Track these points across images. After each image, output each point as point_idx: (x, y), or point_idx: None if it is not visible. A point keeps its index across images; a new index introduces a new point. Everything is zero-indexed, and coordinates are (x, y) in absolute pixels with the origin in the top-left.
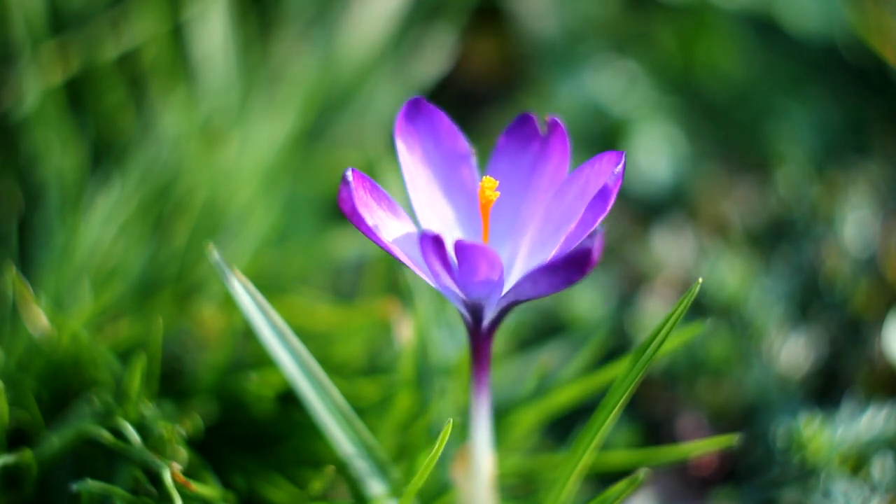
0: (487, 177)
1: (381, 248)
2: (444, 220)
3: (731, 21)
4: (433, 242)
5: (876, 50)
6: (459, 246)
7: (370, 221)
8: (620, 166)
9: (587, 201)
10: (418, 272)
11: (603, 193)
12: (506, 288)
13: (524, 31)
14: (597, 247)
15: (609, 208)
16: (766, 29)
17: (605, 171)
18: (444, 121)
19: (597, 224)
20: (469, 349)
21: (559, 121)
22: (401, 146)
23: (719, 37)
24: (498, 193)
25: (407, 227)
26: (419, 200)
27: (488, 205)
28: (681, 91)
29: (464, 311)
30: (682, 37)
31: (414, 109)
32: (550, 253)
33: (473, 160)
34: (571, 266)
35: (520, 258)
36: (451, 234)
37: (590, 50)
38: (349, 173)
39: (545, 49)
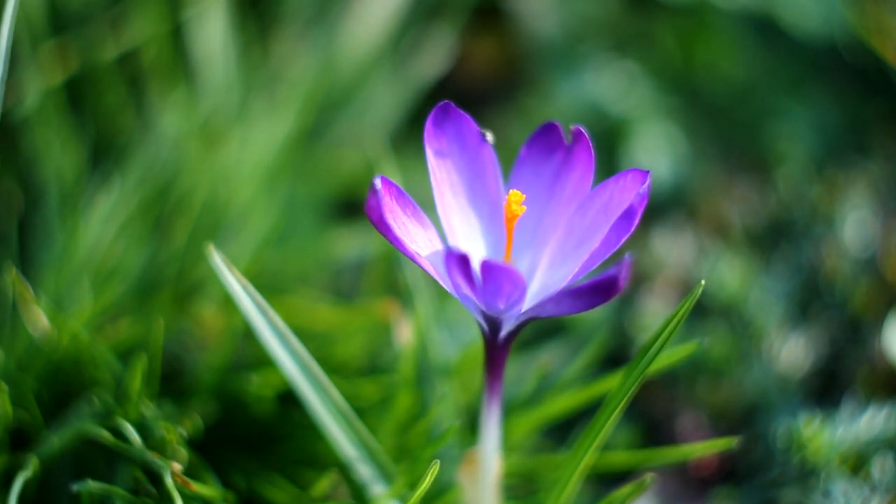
0: (514, 191)
1: (406, 255)
2: (467, 227)
3: (731, 21)
4: (459, 261)
5: (876, 50)
6: (486, 266)
7: (396, 230)
8: (646, 186)
9: (610, 218)
10: (441, 282)
11: (628, 213)
12: (526, 302)
13: (524, 31)
14: (623, 274)
15: (633, 229)
16: (766, 29)
17: (629, 188)
18: (472, 126)
19: (621, 244)
20: (484, 357)
21: (584, 131)
22: (429, 151)
23: (719, 37)
24: (524, 208)
25: (431, 236)
26: (444, 206)
27: (514, 219)
28: (681, 91)
29: (482, 321)
30: (682, 37)
31: (442, 114)
32: (572, 268)
33: (498, 166)
34: (597, 292)
35: (540, 270)
36: (473, 243)
37: (590, 50)
38: (377, 181)
39: (545, 49)
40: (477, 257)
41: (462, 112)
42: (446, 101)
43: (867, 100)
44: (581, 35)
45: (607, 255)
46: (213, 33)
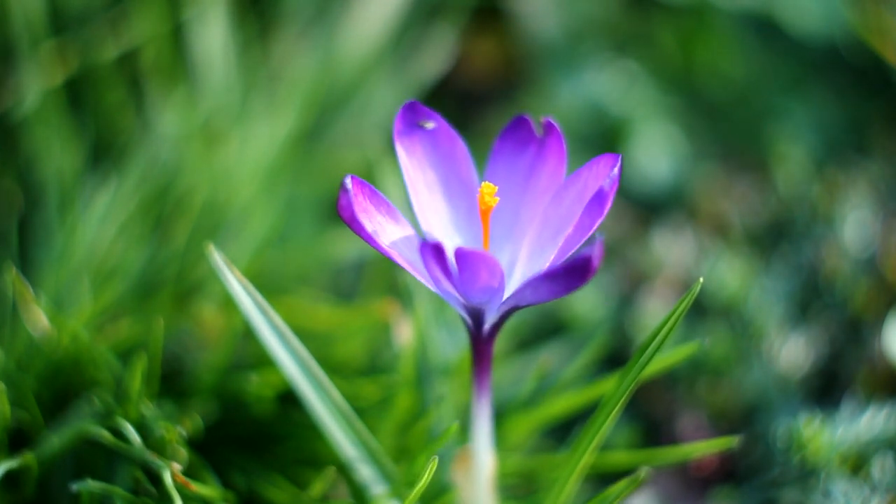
0: (486, 182)
1: (382, 253)
2: (444, 224)
3: (731, 21)
4: (433, 250)
5: (876, 50)
6: (460, 253)
7: (369, 228)
8: (616, 169)
9: (585, 205)
10: (419, 277)
11: (599, 197)
12: (506, 293)
13: (524, 31)
14: (596, 254)
15: (606, 212)
16: (766, 29)
17: (602, 174)
18: (441, 124)
19: (595, 228)
20: (470, 352)
21: (554, 122)
22: (400, 150)
23: (719, 37)
24: (497, 199)
25: (407, 232)
26: (419, 204)
27: (488, 211)
28: (681, 91)
29: (465, 315)
30: (682, 37)
31: (410, 113)
32: (550, 257)
33: (471, 162)
34: (572, 274)
35: (520, 262)
36: (451, 239)
37: (590, 50)
38: (348, 181)
39: (545, 49)
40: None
41: (430, 110)
42: (412, 100)
43: (867, 100)
44: (581, 35)
45: (582, 240)
46: (213, 33)
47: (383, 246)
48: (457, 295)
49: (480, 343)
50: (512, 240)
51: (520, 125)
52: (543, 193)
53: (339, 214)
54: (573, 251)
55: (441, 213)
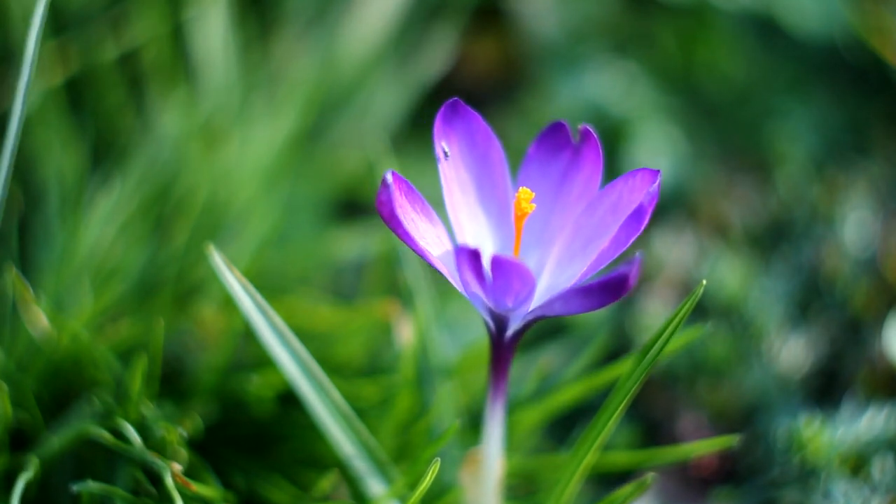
0: (524, 188)
1: (415, 251)
2: (475, 225)
3: (731, 21)
4: (470, 257)
5: (876, 50)
6: (496, 261)
7: (407, 226)
8: (656, 185)
9: (619, 218)
10: (450, 279)
11: (638, 213)
12: (534, 302)
13: (524, 31)
14: (634, 273)
15: (643, 228)
16: (766, 29)
17: (639, 188)
18: (480, 124)
19: (630, 243)
20: (490, 356)
21: (592, 130)
22: (438, 148)
23: (719, 37)
24: (534, 206)
25: (440, 233)
26: (452, 203)
27: (523, 217)
28: (681, 91)
29: (489, 319)
30: (682, 37)
31: (451, 111)
32: (580, 268)
33: (506, 165)
34: (607, 290)
35: (547, 270)
36: (482, 241)
37: (590, 50)
38: (389, 176)
39: (546, 49)
40: (487, 254)
41: (471, 109)
42: (455, 98)
43: (867, 100)
44: (581, 35)
45: (616, 255)
46: (213, 33)
47: (418, 245)
48: (485, 300)
49: (501, 349)
50: (541, 246)
51: (556, 130)
52: (577, 202)
53: (377, 210)
54: (605, 265)
55: (473, 214)
